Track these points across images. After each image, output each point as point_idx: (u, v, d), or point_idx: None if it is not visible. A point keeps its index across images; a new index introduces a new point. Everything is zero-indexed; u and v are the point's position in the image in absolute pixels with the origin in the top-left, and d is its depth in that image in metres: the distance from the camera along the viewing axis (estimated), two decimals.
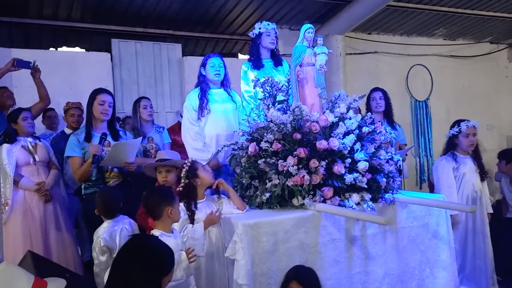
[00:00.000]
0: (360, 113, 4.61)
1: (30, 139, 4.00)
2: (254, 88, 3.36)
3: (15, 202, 3.81)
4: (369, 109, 4.61)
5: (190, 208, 2.79)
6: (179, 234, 2.65)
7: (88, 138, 3.48)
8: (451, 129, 4.01)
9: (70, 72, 5.85)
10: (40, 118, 5.12)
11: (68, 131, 4.64)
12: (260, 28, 3.84)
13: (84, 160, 3.44)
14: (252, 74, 3.77)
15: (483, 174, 4.02)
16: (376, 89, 4.70)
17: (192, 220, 2.77)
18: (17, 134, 3.95)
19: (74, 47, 6.51)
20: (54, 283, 1.79)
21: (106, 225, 3.07)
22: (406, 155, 4.74)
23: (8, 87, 4.85)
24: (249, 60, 3.91)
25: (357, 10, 6.32)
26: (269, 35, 3.82)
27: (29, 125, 4.01)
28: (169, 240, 2.47)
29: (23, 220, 3.81)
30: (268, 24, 3.84)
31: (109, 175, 3.52)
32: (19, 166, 3.88)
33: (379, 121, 3.59)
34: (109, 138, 3.54)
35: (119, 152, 3.39)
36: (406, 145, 4.74)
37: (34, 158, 3.96)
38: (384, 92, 4.63)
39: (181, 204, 2.78)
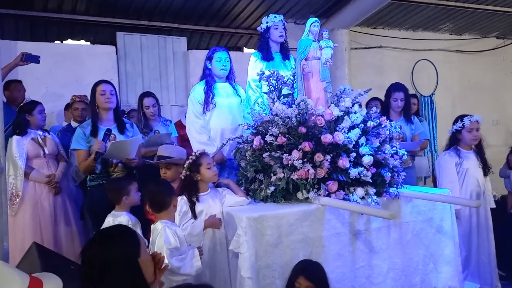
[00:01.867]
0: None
1: (40, 132, 4.06)
2: (259, 81, 3.35)
3: (26, 194, 3.87)
4: (387, 104, 4.47)
5: (191, 199, 2.81)
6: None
7: (95, 132, 3.48)
8: (454, 124, 4.00)
9: (75, 65, 5.85)
10: (50, 110, 5.20)
11: (74, 124, 4.66)
12: (267, 22, 3.80)
13: (90, 153, 3.45)
14: (260, 65, 3.74)
15: (486, 169, 4.01)
16: (398, 88, 4.44)
17: (193, 212, 2.79)
18: (28, 126, 3.98)
19: (79, 40, 6.52)
20: (50, 282, 1.76)
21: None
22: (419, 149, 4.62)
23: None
24: (259, 50, 3.87)
25: (363, 4, 6.28)
26: (277, 28, 3.79)
27: (43, 119, 4.10)
28: (177, 229, 2.52)
29: (33, 211, 3.87)
30: (275, 17, 3.80)
31: (113, 169, 3.53)
32: (30, 159, 3.94)
33: (385, 116, 3.54)
34: (115, 131, 3.54)
35: (118, 150, 3.40)
36: (428, 140, 4.66)
37: (44, 150, 4.00)
38: (405, 92, 4.44)
39: (183, 196, 2.80)
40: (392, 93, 4.45)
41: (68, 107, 5.18)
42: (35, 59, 4.07)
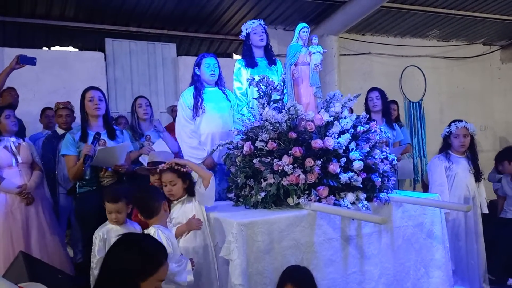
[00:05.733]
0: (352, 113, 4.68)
1: (13, 139, 3.88)
2: (249, 87, 3.35)
3: None
4: (367, 109, 4.63)
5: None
6: None
7: (84, 137, 3.45)
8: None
9: (64, 71, 5.81)
10: (37, 117, 5.08)
11: (60, 131, 4.61)
12: (246, 29, 3.85)
13: (79, 159, 3.41)
14: (245, 72, 3.77)
15: (478, 174, 4.02)
16: (372, 89, 4.70)
17: None
18: (0, 134, 3.83)
19: (67, 46, 6.47)
20: None
21: None
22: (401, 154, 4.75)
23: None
24: (243, 57, 3.89)
25: (351, 11, 6.34)
26: (256, 33, 3.82)
27: (13, 124, 3.88)
28: (170, 234, 2.50)
29: (5, 222, 3.71)
30: (253, 22, 3.85)
31: (103, 174, 3.49)
32: (1, 168, 3.77)
33: (374, 120, 3.58)
34: (105, 137, 3.51)
35: (107, 156, 3.36)
36: (410, 144, 4.79)
37: (16, 159, 3.84)
38: (380, 92, 4.64)
39: None
40: (368, 94, 4.68)
41: (42, 114, 5.08)
42: (31, 60, 3.88)
